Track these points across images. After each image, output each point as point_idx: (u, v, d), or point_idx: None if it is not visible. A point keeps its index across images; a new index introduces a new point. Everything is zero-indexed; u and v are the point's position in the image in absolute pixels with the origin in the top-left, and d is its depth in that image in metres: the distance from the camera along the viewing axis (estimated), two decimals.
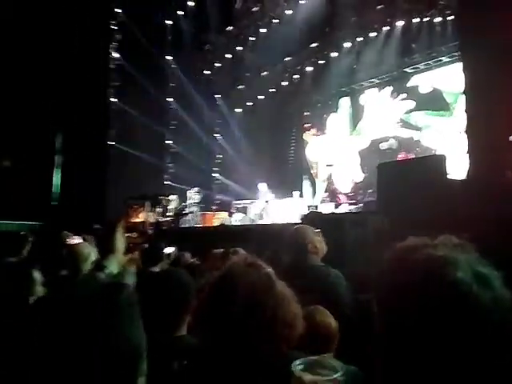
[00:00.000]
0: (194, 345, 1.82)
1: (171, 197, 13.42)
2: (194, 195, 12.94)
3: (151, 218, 10.98)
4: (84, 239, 4.24)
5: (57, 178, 15.47)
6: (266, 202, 12.30)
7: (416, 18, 12.30)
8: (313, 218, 6.09)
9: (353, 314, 2.35)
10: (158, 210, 13.29)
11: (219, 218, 12.68)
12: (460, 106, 11.02)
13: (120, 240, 1.41)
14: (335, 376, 0.95)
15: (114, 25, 15.12)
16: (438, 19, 11.91)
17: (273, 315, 1.17)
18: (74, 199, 13.74)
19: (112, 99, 15.19)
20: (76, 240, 4.83)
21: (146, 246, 3.45)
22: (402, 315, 0.74)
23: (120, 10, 14.97)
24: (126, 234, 1.35)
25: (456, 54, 11.24)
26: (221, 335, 1.18)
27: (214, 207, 16.04)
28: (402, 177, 5.33)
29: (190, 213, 12.67)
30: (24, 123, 14.58)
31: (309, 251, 2.52)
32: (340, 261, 3.60)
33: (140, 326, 0.77)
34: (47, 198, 15.31)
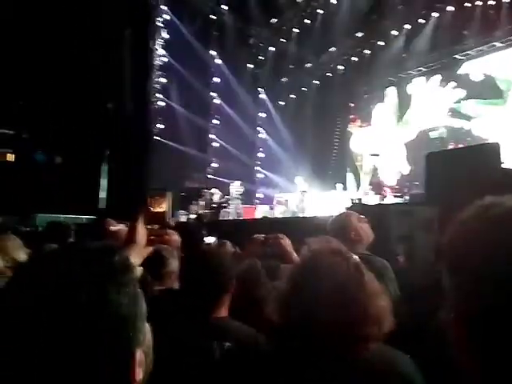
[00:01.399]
0: (234, 327, 1.77)
1: (213, 190, 13.49)
2: (236, 189, 12.94)
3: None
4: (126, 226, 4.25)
5: (104, 178, 15.95)
6: (302, 192, 12.11)
7: (467, 2, 11.73)
8: (356, 210, 5.90)
9: (398, 306, 2.21)
10: (201, 203, 13.40)
11: (261, 212, 12.63)
12: None
13: (141, 232, 1.36)
14: None
15: (160, 21, 15.32)
16: (491, 2, 11.31)
17: (364, 312, 1.06)
18: (120, 195, 14.06)
19: (157, 95, 15.43)
20: (120, 226, 4.86)
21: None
22: (497, 282, 0.59)
23: (165, 7, 15.15)
24: (148, 226, 1.31)
25: (511, 38, 10.65)
26: (303, 330, 1.08)
27: (256, 200, 16.02)
28: (453, 166, 5.05)
29: (232, 206, 12.69)
30: (74, 121, 15.09)
31: (352, 239, 2.38)
32: (386, 252, 3.44)
33: (132, 295, 0.71)
34: (95, 196, 15.81)
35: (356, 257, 1.15)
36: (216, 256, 1.97)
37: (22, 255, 3.26)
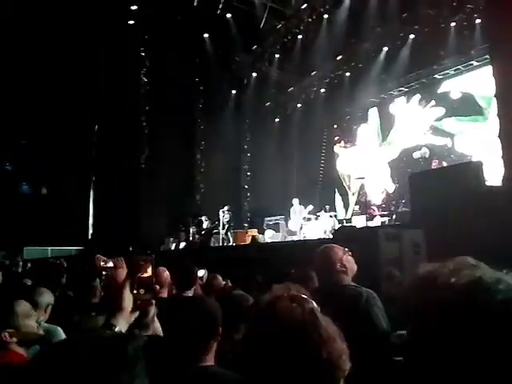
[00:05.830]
0: (220, 375, 1.75)
1: (203, 217, 13.48)
2: (224, 214, 12.94)
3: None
4: (114, 262, 4.25)
5: (93, 207, 15.87)
6: (304, 218, 12.18)
7: (442, 24, 12.07)
8: (345, 233, 5.94)
9: (387, 336, 2.22)
10: (191, 229, 13.37)
11: (251, 236, 12.61)
12: (494, 109, 10.70)
13: (127, 298, 1.39)
14: None
15: (143, 51, 15.50)
16: (465, 23, 11.67)
17: (316, 356, 1.09)
18: (108, 225, 14.00)
19: (143, 123, 15.51)
20: (110, 263, 4.83)
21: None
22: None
23: (147, 37, 15.35)
24: (134, 291, 1.34)
25: (487, 56, 10.95)
26: (259, 373, 1.11)
27: (245, 225, 16.01)
28: (436, 186, 5.13)
29: (222, 232, 12.68)
30: (60, 149, 15.06)
31: (337, 271, 2.42)
32: (374, 278, 3.47)
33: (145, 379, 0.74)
34: (84, 225, 15.68)
35: (313, 303, 1.20)
36: (201, 303, 1.97)
37: None
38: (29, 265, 7.74)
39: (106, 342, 0.74)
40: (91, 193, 16.12)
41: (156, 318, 2.02)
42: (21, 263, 7.69)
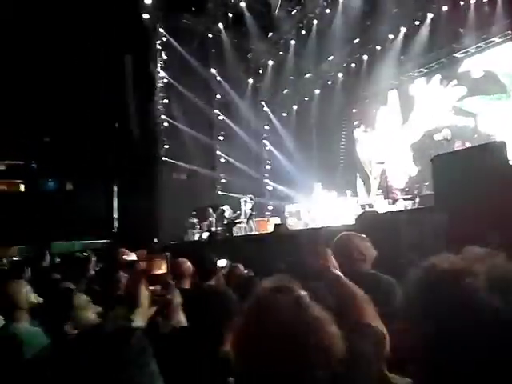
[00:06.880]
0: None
1: (225, 206, 13.55)
2: (246, 203, 12.98)
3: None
4: (137, 255, 4.32)
5: (115, 201, 16.15)
6: (327, 205, 12.15)
7: (461, 0, 11.75)
8: (367, 219, 5.89)
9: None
10: (213, 220, 13.46)
11: (273, 224, 12.63)
12: None
13: (144, 294, 1.43)
14: None
15: (159, 44, 15.55)
16: None
17: (304, 343, 1.10)
18: (132, 217, 14.21)
19: (162, 116, 15.61)
20: (132, 256, 4.92)
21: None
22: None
23: (162, 30, 15.38)
24: (150, 287, 1.39)
25: (509, 32, 10.64)
26: (252, 368, 1.13)
27: (267, 213, 16.04)
28: (459, 168, 5.02)
29: (244, 221, 12.72)
30: (83, 145, 15.34)
31: (356, 259, 2.42)
32: (396, 265, 3.42)
33: (151, 372, 0.76)
34: (109, 219, 15.96)
35: (302, 292, 1.20)
36: (217, 293, 2.01)
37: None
38: (57, 259, 7.92)
39: (110, 337, 0.75)
40: (114, 187, 16.39)
41: (180, 308, 2.08)
42: (48, 258, 7.85)
